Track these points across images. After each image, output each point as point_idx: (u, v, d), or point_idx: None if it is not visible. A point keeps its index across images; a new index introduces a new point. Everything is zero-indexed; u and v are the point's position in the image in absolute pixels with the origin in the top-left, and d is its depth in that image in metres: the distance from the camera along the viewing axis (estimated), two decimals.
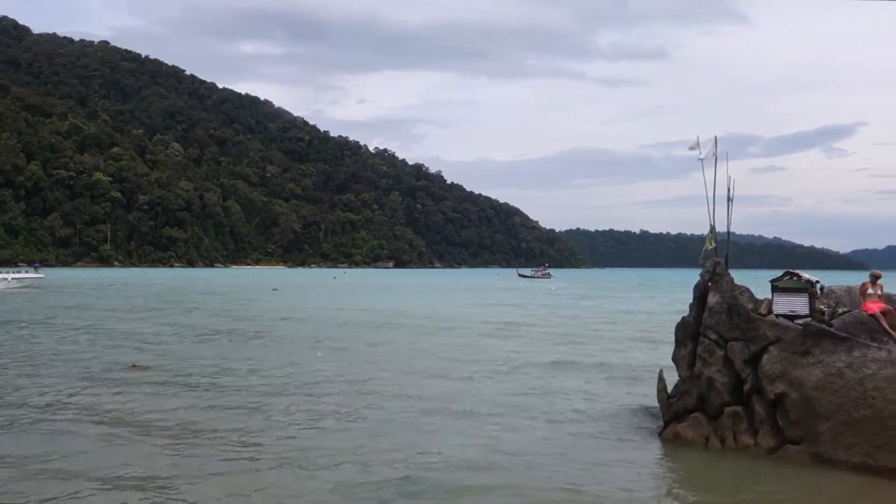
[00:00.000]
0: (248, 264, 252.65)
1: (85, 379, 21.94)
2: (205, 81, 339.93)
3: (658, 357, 25.07)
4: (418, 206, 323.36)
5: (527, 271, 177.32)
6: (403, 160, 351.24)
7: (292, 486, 12.06)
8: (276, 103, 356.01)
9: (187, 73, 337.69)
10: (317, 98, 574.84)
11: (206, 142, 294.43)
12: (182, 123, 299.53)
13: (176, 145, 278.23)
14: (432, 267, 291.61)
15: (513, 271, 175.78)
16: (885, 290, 16.65)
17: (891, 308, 15.50)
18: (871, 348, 13.66)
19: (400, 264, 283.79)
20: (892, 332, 14.84)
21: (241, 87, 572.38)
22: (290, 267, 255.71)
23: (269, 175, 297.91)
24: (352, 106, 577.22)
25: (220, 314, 49.16)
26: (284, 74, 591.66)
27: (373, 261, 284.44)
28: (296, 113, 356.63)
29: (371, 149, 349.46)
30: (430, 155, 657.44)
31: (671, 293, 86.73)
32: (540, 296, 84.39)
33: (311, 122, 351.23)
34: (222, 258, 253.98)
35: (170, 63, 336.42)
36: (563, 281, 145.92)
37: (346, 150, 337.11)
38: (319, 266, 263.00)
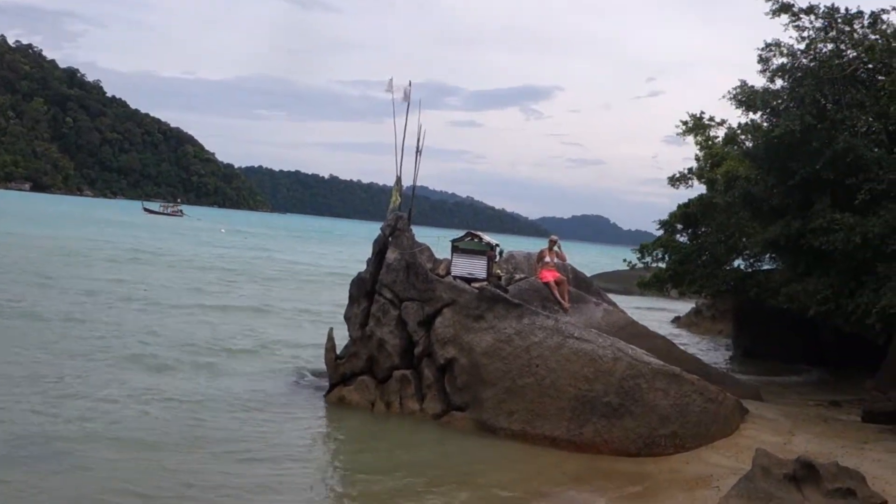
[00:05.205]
0: None
1: None
2: None
3: (328, 317, 25.76)
4: (69, 119, 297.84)
5: (154, 206, 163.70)
6: (53, 61, 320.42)
7: None
8: None
9: None
10: None
11: None
12: None
13: None
14: (80, 194, 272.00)
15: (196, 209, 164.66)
16: (567, 260, 18.61)
17: (563, 277, 17.40)
18: (541, 316, 15.18)
19: (39, 188, 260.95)
20: (563, 301, 16.68)
21: None
22: None
23: None
24: None
25: None
26: None
27: (3, 180, 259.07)
28: None
29: (10, 41, 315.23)
30: (86, 59, 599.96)
31: (353, 246, 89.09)
32: (197, 239, 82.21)
33: None
34: None
35: None
36: (235, 224, 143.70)
37: None
38: None
